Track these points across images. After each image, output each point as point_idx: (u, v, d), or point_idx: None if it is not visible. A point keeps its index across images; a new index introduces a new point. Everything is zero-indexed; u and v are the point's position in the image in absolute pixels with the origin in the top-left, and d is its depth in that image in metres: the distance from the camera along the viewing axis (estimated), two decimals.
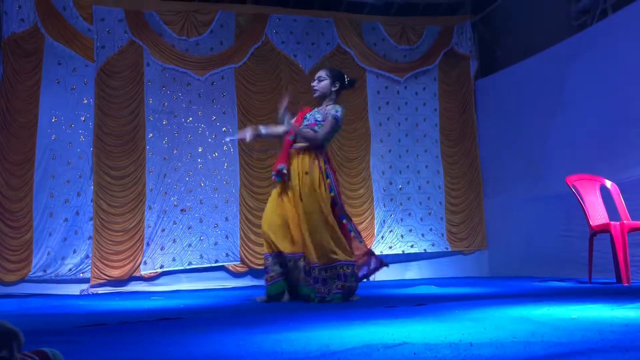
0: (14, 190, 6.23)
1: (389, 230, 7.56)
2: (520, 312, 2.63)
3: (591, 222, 5.14)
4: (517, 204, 7.22)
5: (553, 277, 6.13)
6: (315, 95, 3.86)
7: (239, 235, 6.83)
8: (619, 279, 4.95)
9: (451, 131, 7.93)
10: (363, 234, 7.24)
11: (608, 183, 5.28)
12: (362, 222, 7.44)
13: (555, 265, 6.33)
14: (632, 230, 4.90)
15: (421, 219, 7.73)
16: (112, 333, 2.39)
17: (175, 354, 1.77)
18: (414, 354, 1.63)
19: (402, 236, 7.56)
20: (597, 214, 5.18)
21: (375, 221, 7.50)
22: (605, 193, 5.29)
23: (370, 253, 3.68)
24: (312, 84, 3.85)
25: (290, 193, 3.66)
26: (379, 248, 7.45)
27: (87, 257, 6.35)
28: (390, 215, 7.60)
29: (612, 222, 5.03)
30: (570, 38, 6.43)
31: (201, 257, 6.68)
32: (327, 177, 3.56)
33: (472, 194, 7.86)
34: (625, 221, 4.97)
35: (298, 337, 2.01)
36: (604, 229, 5.03)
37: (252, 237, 6.84)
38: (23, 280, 6.15)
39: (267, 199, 4.13)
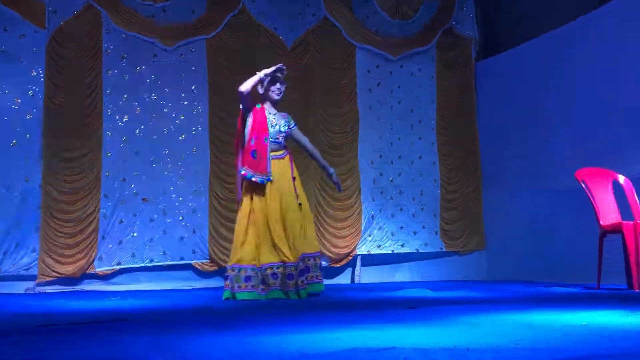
0: None
1: (378, 227, 7.54)
2: (522, 318, 2.63)
3: (601, 221, 5.12)
4: (519, 200, 7.19)
5: (558, 281, 6.13)
6: (278, 99, 4.40)
7: (208, 230, 6.65)
8: (630, 284, 4.99)
9: (449, 117, 7.92)
10: (348, 231, 7.31)
11: (621, 178, 5.25)
12: (348, 218, 7.36)
13: (560, 269, 6.33)
14: None
15: (413, 215, 7.72)
16: (59, 335, 2.39)
17: None
18: (404, 359, 1.60)
19: (392, 234, 7.56)
20: (609, 212, 5.17)
21: (363, 216, 7.44)
22: (618, 189, 5.25)
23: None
24: (280, 87, 4.35)
25: (268, 196, 4.14)
26: (366, 247, 7.41)
27: (33, 251, 6.19)
28: (380, 210, 7.58)
29: (624, 222, 5.02)
30: (579, 18, 6.39)
31: (164, 253, 6.56)
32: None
33: (470, 188, 7.89)
34: (639, 220, 4.97)
35: (272, 340, 1.96)
36: (616, 229, 5.02)
37: (223, 232, 6.65)
38: None
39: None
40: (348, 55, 7.45)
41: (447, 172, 7.89)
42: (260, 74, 4.27)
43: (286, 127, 4.44)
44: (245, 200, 4.21)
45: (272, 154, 4.26)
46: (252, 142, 4.21)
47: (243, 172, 4.15)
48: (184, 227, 6.63)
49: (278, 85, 4.42)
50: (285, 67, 4.38)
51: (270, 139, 4.28)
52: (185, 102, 6.79)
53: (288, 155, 4.39)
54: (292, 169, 4.29)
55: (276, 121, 4.38)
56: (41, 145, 6.32)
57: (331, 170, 4.47)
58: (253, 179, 4.15)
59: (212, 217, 6.65)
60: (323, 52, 7.33)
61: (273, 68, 4.34)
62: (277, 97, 4.42)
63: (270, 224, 4.11)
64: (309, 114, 7.11)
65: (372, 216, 7.50)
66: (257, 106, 4.39)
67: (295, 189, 4.23)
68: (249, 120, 4.31)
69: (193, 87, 6.82)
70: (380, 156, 7.65)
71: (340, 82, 7.40)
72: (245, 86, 4.23)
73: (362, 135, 7.58)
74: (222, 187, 6.73)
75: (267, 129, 4.26)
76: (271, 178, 4.13)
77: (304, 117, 6.79)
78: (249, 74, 4.62)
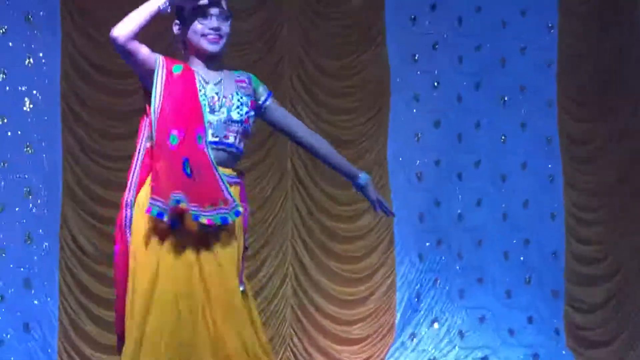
0: None
1: (430, 318, 5.27)
2: None
3: None
4: None
5: None
6: (217, 48, 2.30)
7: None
8: None
9: (584, 88, 5.44)
10: (365, 328, 5.04)
11: None
12: (364, 298, 5.01)
13: None
14: None
15: (508, 294, 5.32)
16: None
17: None
18: None
19: (461, 333, 5.27)
20: None
21: (398, 296, 5.14)
22: None
23: None
24: (218, 25, 2.27)
25: (212, 256, 2.34)
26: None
27: None
28: (434, 282, 5.24)
29: None
30: None
31: None
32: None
33: (630, 232, 5.57)
34: None
35: None
36: None
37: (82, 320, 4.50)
38: None
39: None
40: None
41: (584, 197, 5.47)
42: None
43: (247, 106, 2.33)
44: (149, 256, 2.35)
45: (223, 171, 2.34)
46: (174, 142, 2.27)
47: (157, 208, 2.22)
48: None
49: (213, 19, 2.30)
50: None
51: (213, 138, 2.30)
52: None
53: (240, 182, 2.38)
54: (246, 213, 2.39)
55: (223, 94, 2.34)
56: None
57: (363, 177, 2.44)
58: (201, 219, 2.22)
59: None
60: None
61: None
62: (213, 48, 2.30)
63: (214, 314, 2.38)
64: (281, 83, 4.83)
65: (417, 295, 5.27)
66: (175, 68, 2.30)
67: (242, 258, 2.41)
68: (156, 94, 2.27)
69: None
70: (437, 162, 5.03)
71: (357, 22, 4.89)
72: (125, 23, 2.22)
73: (397, 121, 4.97)
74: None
75: (202, 116, 2.30)
76: (240, 210, 2.30)
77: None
78: None
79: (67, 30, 4.37)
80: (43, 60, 4.41)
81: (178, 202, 2.16)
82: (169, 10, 2.19)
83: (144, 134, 2.34)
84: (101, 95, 4.38)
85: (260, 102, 2.34)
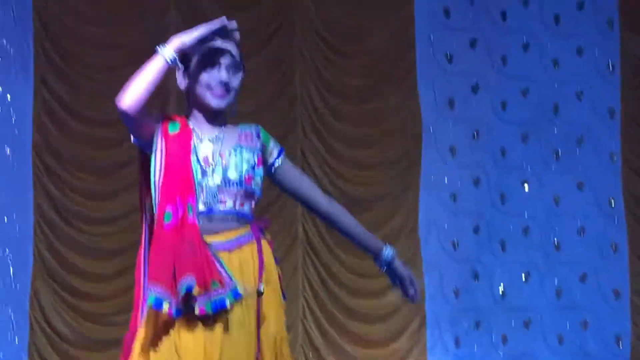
0: None
1: None
2: None
3: None
4: None
5: None
6: (223, 105, 2.11)
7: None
8: None
9: None
10: None
11: None
12: None
13: None
14: None
15: None
16: None
17: None
18: None
19: None
20: None
21: None
22: None
23: None
24: (226, 77, 2.09)
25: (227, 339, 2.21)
26: None
27: None
28: None
29: None
30: None
31: None
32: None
33: None
34: None
35: None
36: None
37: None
38: None
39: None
40: None
41: None
42: (167, 49, 2.03)
43: (250, 162, 2.14)
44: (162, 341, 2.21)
45: (214, 239, 2.13)
46: (167, 221, 2.13)
47: (153, 297, 2.09)
48: None
49: (222, 70, 2.10)
50: (235, 26, 2.17)
51: (203, 208, 2.12)
52: None
53: (257, 237, 2.13)
54: (260, 269, 2.17)
55: (219, 152, 2.18)
56: None
57: (388, 251, 2.19)
58: (202, 309, 2.10)
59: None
60: None
61: (204, 29, 2.08)
62: (218, 103, 2.09)
63: None
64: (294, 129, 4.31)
65: None
66: (171, 127, 2.16)
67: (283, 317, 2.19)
68: (156, 163, 2.14)
69: None
70: (477, 229, 4.45)
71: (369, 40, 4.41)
72: (134, 91, 2.04)
73: (429, 178, 4.36)
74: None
75: (192, 182, 2.17)
76: (241, 292, 2.09)
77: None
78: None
79: (41, 71, 3.82)
80: (11, 108, 3.89)
81: (190, 288, 2.03)
82: (178, 63, 2.00)
83: (145, 205, 2.19)
84: (79, 147, 3.86)
85: (270, 160, 2.13)
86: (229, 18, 2.10)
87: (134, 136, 2.12)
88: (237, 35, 2.10)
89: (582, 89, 4.41)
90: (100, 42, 3.96)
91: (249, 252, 2.15)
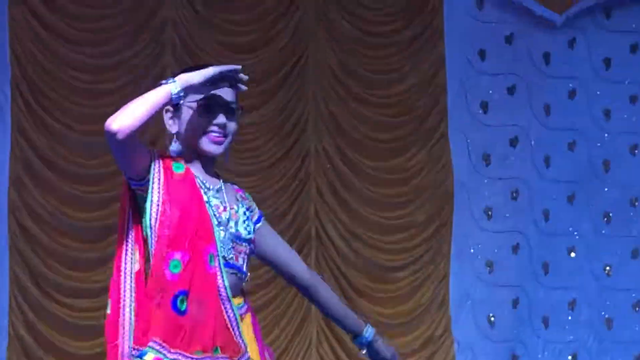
0: None
1: None
2: None
3: None
4: None
5: None
6: (220, 150, 2.07)
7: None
8: None
9: None
10: None
11: None
12: None
13: None
14: None
15: None
16: None
17: None
18: None
19: None
20: None
21: None
22: None
23: None
24: (227, 122, 2.05)
25: None
26: None
27: None
28: None
29: None
30: None
31: None
32: None
33: None
34: None
35: None
36: None
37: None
38: None
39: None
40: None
41: None
42: (175, 84, 1.94)
43: (249, 224, 2.16)
44: None
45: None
46: (175, 271, 2.02)
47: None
48: None
49: (219, 115, 2.04)
50: (244, 73, 2.06)
51: (224, 258, 2.09)
52: None
53: (249, 308, 2.08)
54: (259, 343, 2.11)
55: (228, 204, 2.16)
56: None
57: (368, 330, 2.10)
58: None
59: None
60: None
61: (214, 70, 2.01)
62: (215, 149, 2.04)
63: None
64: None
65: None
66: (176, 166, 2.09)
67: None
68: (153, 201, 2.04)
69: None
70: (516, 302, 4.05)
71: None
72: (128, 115, 1.92)
73: (461, 244, 3.94)
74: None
75: (212, 230, 2.10)
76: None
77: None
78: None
79: (18, 120, 3.41)
80: None
81: (142, 355, 1.92)
82: (181, 102, 1.95)
83: (127, 257, 2.00)
84: (59, 206, 3.44)
85: (254, 222, 2.15)
86: (239, 66, 1.99)
87: (122, 167, 1.98)
88: (243, 87, 2.00)
89: (636, 143, 3.96)
90: (84, 88, 3.57)
91: (248, 323, 2.06)
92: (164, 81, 1.90)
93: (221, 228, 2.06)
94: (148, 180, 1.98)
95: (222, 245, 2.06)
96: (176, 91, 1.90)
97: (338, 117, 3.69)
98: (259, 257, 2.18)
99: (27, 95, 3.44)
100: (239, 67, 2.02)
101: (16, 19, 3.58)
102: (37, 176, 3.51)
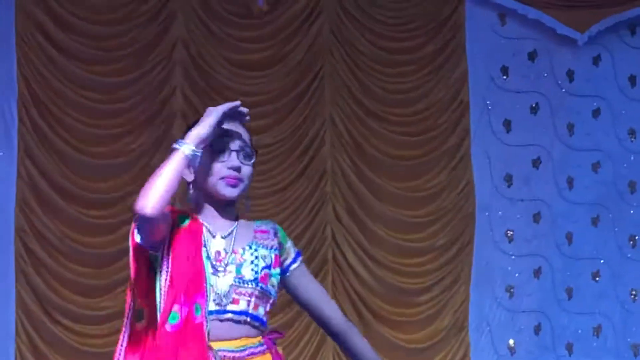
0: None
1: None
2: None
3: None
4: None
5: None
6: (236, 194, 2.05)
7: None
8: None
9: None
10: None
11: None
12: None
13: None
14: None
15: None
16: None
17: None
18: None
19: None
20: None
21: None
22: None
23: None
24: (240, 164, 2.04)
25: None
26: None
27: None
28: None
29: None
30: None
31: None
32: None
33: None
34: None
35: None
36: None
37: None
38: None
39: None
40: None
41: None
42: (188, 145, 1.92)
43: (267, 261, 2.06)
44: None
45: (222, 346, 1.97)
46: (173, 321, 2.02)
47: None
48: None
49: (233, 156, 2.02)
50: (246, 110, 1.99)
51: (214, 307, 2.04)
52: None
53: (269, 348, 1.99)
54: None
55: (232, 248, 2.09)
56: None
57: None
58: None
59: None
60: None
61: (215, 113, 1.97)
62: (230, 192, 2.00)
63: None
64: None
65: None
66: (180, 220, 2.08)
67: None
68: (163, 264, 2.03)
69: None
70: (537, 329, 3.88)
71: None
72: (156, 194, 1.93)
73: (482, 270, 3.76)
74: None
75: (203, 280, 2.09)
76: None
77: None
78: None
79: (26, 140, 3.33)
80: None
81: None
82: (199, 154, 1.95)
83: (131, 306, 1.99)
84: (66, 230, 3.35)
85: (287, 262, 2.09)
86: (239, 102, 1.97)
87: (143, 238, 1.99)
88: (247, 119, 1.99)
89: None
90: (93, 108, 3.47)
91: None
92: (175, 145, 1.90)
93: (218, 274, 2.03)
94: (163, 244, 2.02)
95: (218, 291, 2.03)
96: (191, 151, 1.92)
97: (356, 136, 3.55)
98: (293, 296, 2.14)
99: (35, 115, 3.31)
100: (239, 102, 2.00)
101: (24, 37, 3.49)
102: (44, 199, 3.42)
